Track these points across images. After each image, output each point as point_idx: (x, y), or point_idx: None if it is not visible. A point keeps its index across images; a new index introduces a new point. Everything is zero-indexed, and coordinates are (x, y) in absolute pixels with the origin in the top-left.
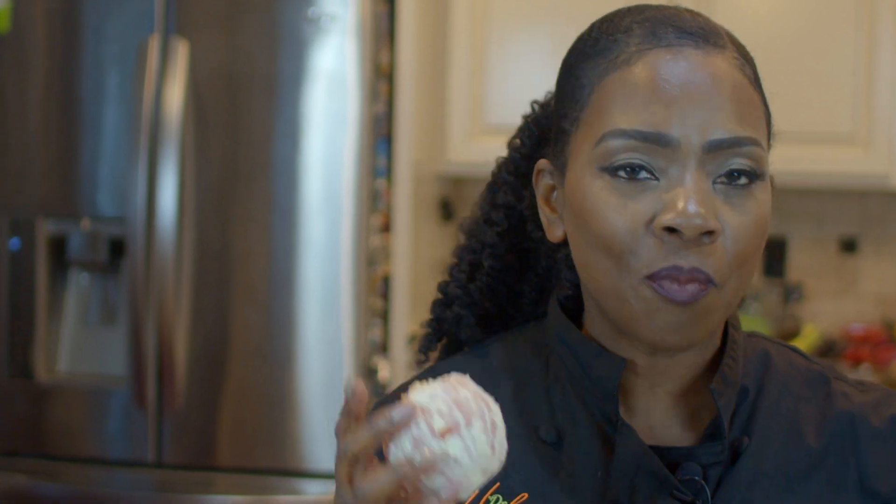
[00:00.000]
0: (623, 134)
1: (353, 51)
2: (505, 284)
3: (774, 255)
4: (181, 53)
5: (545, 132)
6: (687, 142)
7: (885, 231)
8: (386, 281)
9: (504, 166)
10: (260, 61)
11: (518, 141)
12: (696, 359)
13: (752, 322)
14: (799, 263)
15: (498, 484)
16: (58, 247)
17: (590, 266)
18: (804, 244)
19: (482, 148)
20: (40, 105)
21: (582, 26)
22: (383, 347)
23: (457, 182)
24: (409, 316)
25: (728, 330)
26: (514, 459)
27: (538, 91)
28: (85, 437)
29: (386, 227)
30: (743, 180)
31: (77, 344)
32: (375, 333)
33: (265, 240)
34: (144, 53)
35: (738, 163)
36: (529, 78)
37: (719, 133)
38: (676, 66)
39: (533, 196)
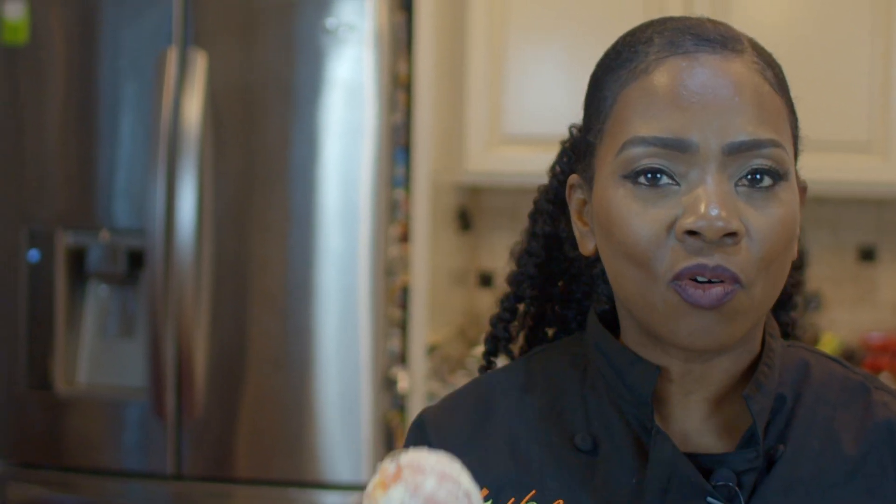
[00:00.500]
0: (643, 141)
1: (371, 61)
2: (552, 311)
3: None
4: (199, 65)
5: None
6: (706, 146)
7: None
8: (404, 291)
9: (544, 194)
10: (277, 72)
11: (557, 167)
12: (732, 366)
13: None
14: (817, 272)
15: (534, 491)
16: (77, 258)
17: (618, 275)
18: (822, 253)
19: (500, 158)
20: (58, 117)
21: (599, 35)
22: (402, 358)
23: (475, 192)
24: (427, 326)
25: (765, 338)
26: (551, 467)
27: (556, 101)
28: (104, 448)
29: (404, 237)
30: (766, 181)
31: (96, 355)
32: (394, 343)
33: (283, 250)
34: (163, 65)
35: (759, 163)
36: (547, 88)
37: (738, 135)
38: (693, 71)
39: (569, 216)
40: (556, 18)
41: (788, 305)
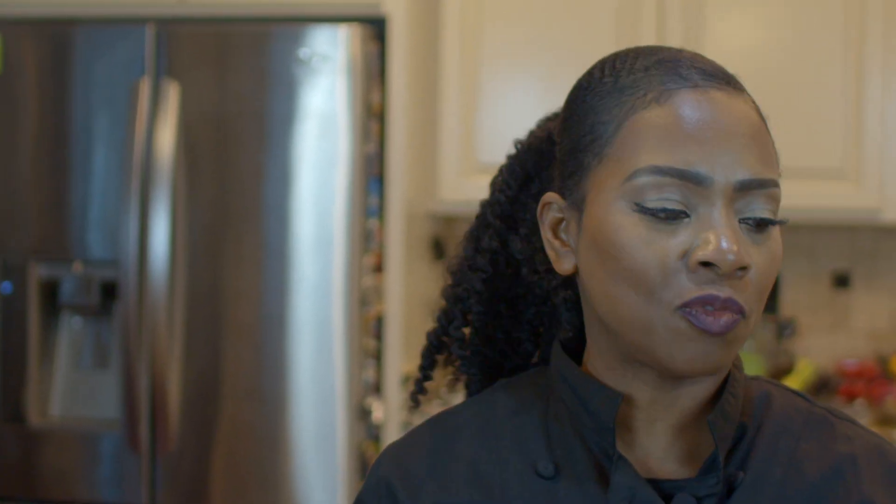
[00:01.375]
0: (658, 171)
1: (344, 91)
2: (501, 331)
3: None
4: (172, 95)
5: (532, 172)
6: (719, 180)
7: (877, 266)
8: (379, 321)
9: (489, 208)
10: (251, 102)
11: (504, 183)
12: (698, 393)
13: (746, 358)
14: (792, 299)
15: None
16: (50, 290)
17: (613, 298)
18: (797, 279)
19: (474, 186)
20: (31, 148)
21: (571, 63)
22: (377, 388)
23: (448, 221)
24: (402, 356)
25: (730, 368)
26: (513, 495)
27: (529, 128)
28: (78, 481)
29: (378, 267)
30: (766, 220)
31: (69, 387)
32: (369, 374)
33: (257, 280)
34: (135, 96)
35: (762, 204)
36: (520, 116)
37: (747, 173)
38: (706, 106)
39: (525, 239)
40: (529, 47)
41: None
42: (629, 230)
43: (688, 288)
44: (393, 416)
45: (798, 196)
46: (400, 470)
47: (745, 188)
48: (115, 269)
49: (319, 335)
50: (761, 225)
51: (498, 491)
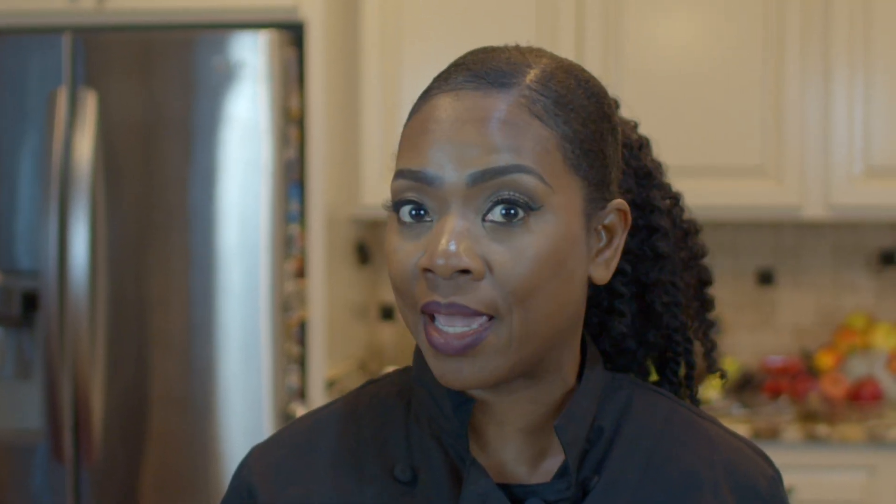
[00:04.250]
0: (400, 174)
1: (265, 97)
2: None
3: None
4: (90, 104)
5: None
6: (450, 179)
7: (800, 262)
8: (302, 326)
9: None
10: (173, 109)
11: None
12: (542, 396)
13: None
14: (716, 296)
15: None
16: None
17: (397, 305)
18: (721, 277)
19: None
20: None
21: None
22: (301, 393)
23: (373, 225)
24: (326, 361)
25: (583, 370)
26: (370, 498)
27: None
28: (5, 492)
29: (301, 273)
30: (512, 213)
31: None
32: (293, 379)
33: (182, 288)
34: (53, 105)
35: (504, 194)
36: None
37: (477, 166)
38: (448, 107)
39: None
40: (450, 49)
41: (659, 327)
42: (389, 236)
43: (421, 294)
44: None
45: (720, 194)
46: (262, 472)
47: (479, 181)
48: (36, 279)
49: (245, 341)
50: (508, 218)
51: (356, 496)
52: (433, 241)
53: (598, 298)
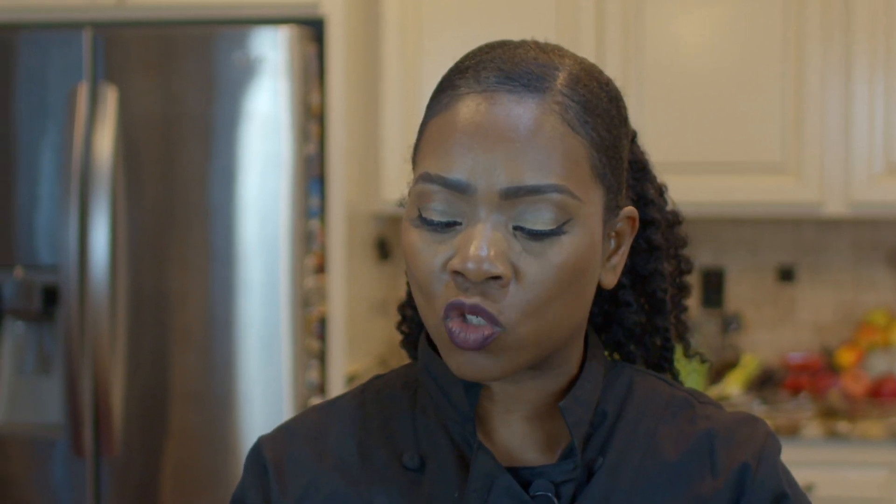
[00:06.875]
0: (430, 178)
1: (285, 92)
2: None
3: (712, 286)
4: (110, 99)
5: None
6: (484, 189)
7: (820, 259)
8: (322, 322)
9: None
10: (193, 105)
11: None
12: (547, 385)
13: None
14: (737, 293)
15: None
16: None
17: (416, 302)
18: (741, 274)
19: None
20: None
21: None
22: (321, 388)
23: (393, 221)
24: (346, 356)
25: (585, 359)
26: (379, 486)
27: None
28: (24, 486)
29: (321, 268)
30: (544, 228)
31: (13, 393)
32: (313, 375)
33: (202, 283)
34: (73, 101)
35: (541, 212)
36: None
37: (515, 181)
38: (483, 111)
39: None
40: (470, 45)
41: (665, 311)
42: (411, 236)
43: (445, 296)
44: None
45: (740, 191)
46: (274, 459)
47: (514, 195)
48: (56, 273)
49: (265, 336)
50: (539, 232)
51: (364, 484)
52: (464, 246)
53: (601, 291)
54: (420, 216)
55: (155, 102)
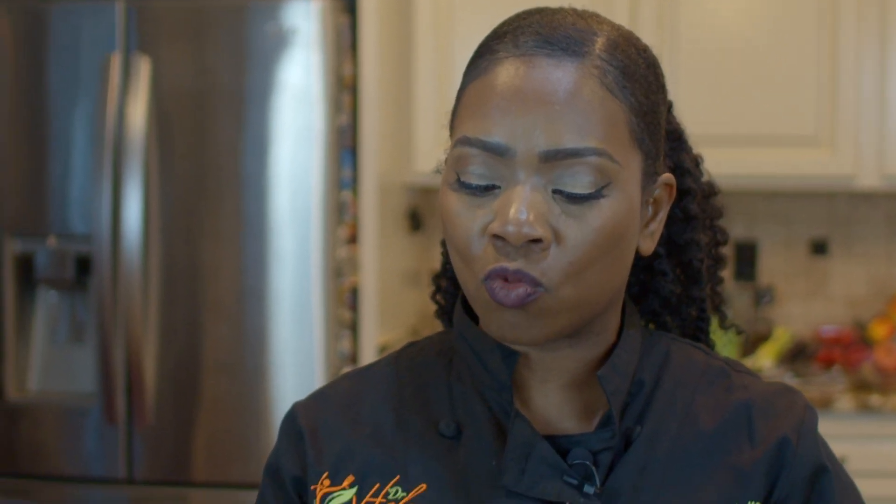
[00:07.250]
0: (468, 142)
1: (318, 63)
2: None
3: (745, 259)
4: (143, 70)
5: None
6: (523, 152)
7: (853, 232)
8: (354, 292)
9: None
10: (226, 76)
11: None
12: (585, 354)
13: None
14: (769, 266)
15: (398, 476)
16: (25, 265)
17: (455, 268)
18: (774, 247)
19: None
20: (7, 123)
21: None
22: (353, 359)
23: (425, 192)
24: (378, 327)
25: (622, 328)
26: (415, 453)
27: None
28: (57, 455)
29: (353, 239)
30: (583, 191)
31: (46, 362)
32: (345, 345)
33: (234, 254)
34: (106, 71)
35: (580, 175)
36: None
37: (551, 144)
38: (521, 75)
39: None
40: (503, 16)
41: (701, 282)
42: (449, 200)
43: (486, 260)
44: None
45: (774, 164)
46: (309, 426)
47: (553, 158)
48: (89, 243)
49: (297, 307)
50: (578, 195)
51: (400, 451)
52: (504, 209)
53: (637, 260)
54: (458, 180)
55: (187, 73)
